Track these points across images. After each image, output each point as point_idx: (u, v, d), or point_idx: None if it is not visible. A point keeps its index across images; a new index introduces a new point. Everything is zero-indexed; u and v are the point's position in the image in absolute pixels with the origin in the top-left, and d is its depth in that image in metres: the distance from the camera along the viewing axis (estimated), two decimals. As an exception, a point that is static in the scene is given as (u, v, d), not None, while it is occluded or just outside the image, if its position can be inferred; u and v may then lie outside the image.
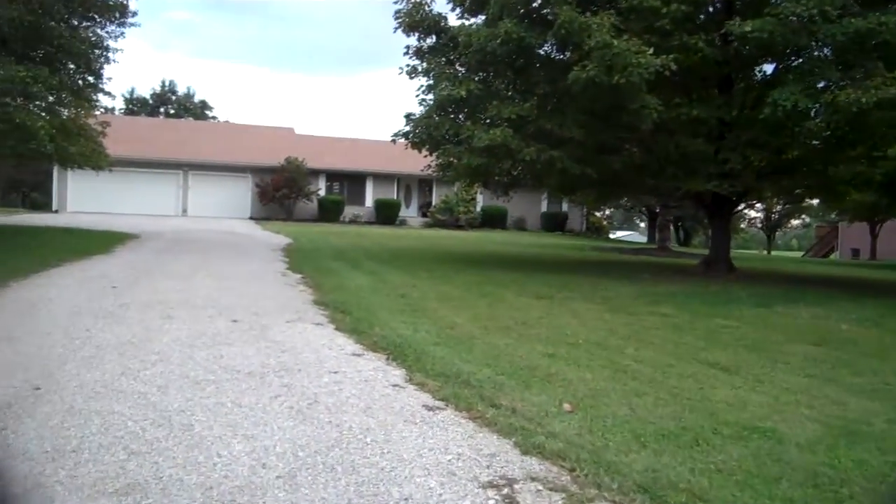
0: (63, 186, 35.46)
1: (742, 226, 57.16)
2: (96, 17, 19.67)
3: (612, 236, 54.13)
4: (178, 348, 6.21)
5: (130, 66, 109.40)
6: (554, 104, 14.44)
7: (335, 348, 6.56)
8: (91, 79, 21.08)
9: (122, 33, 19.99)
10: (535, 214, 41.01)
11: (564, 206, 41.49)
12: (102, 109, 23.47)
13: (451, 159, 15.35)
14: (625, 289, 12.87)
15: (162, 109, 61.80)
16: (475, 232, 35.84)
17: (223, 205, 37.10)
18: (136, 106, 61.15)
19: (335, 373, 5.64)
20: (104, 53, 20.25)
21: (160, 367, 5.59)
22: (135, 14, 19.75)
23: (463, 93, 13.81)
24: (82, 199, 35.05)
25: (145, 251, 15.81)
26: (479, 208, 39.55)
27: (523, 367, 6.17)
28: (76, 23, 19.00)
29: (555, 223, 41.29)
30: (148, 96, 62.03)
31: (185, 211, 36.99)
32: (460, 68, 16.12)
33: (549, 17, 13.25)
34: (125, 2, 19.33)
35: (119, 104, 60.57)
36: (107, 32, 19.98)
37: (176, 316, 7.86)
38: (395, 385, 5.40)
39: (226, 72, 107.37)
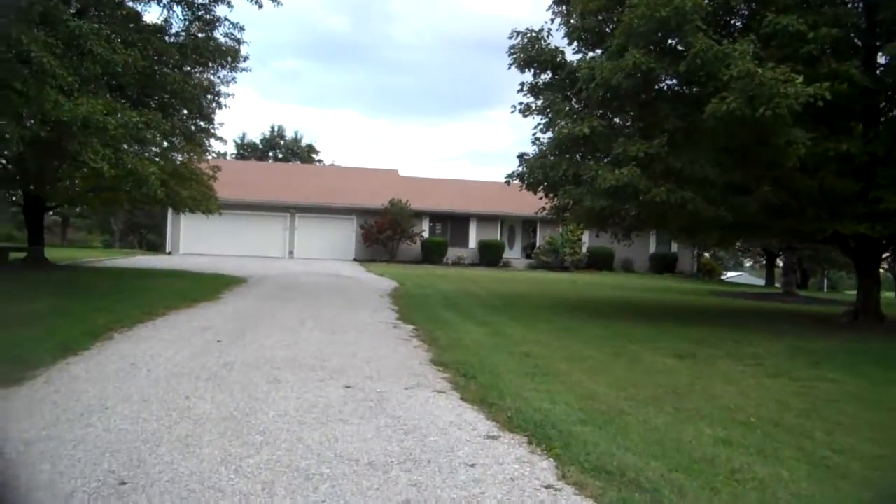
0: (176, 229, 36.30)
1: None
2: (209, 62, 19.82)
3: (723, 278, 51.44)
4: (285, 426, 5.37)
5: (241, 113, 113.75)
6: (684, 141, 13.21)
7: (465, 427, 5.57)
8: (203, 123, 21.27)
9: (234, 78, 20.06)
10: (642, 256, 39.20)
11: (673, 247, 39.61)
12: (214, 154, 23.67)
13: (569, 201, 14.28)
14: (772, 345, 11.40)
15: (271, 154, 63.50)
16: (581, 274, 34.47)
17: (328, 246, 37.16)
18: (246, 151, 63.05)
19: (472, 466, 4.65)
20: (216, 98, 20.39)
21: (265, 452, 4.74)
22: (246, 59, 19.82)
23: (586, 130, 12.79)
24: (194, 241, 35.77)
25: (252, 297, 15.38)
26: (584, 249, 38.19)
27: (697, 458, 5.02)
28: (189, 68, 19.13)
29: (664, 265, 39.43)
30: (258, 141, 63.93)
31: (291, 253, 37.20)
32: (577, 105, 15.15)
33: (681, 48, 12.12)
34: (237, 47, 19.39)
35: (230, 149, 62.69)
36: (218, 77, 20.11)
37: (283, 379, 7.08)
38: (547, 486, 4.35)
39: (332, 117, 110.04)
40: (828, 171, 13.71)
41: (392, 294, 18.04)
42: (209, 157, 24.56)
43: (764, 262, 56.87)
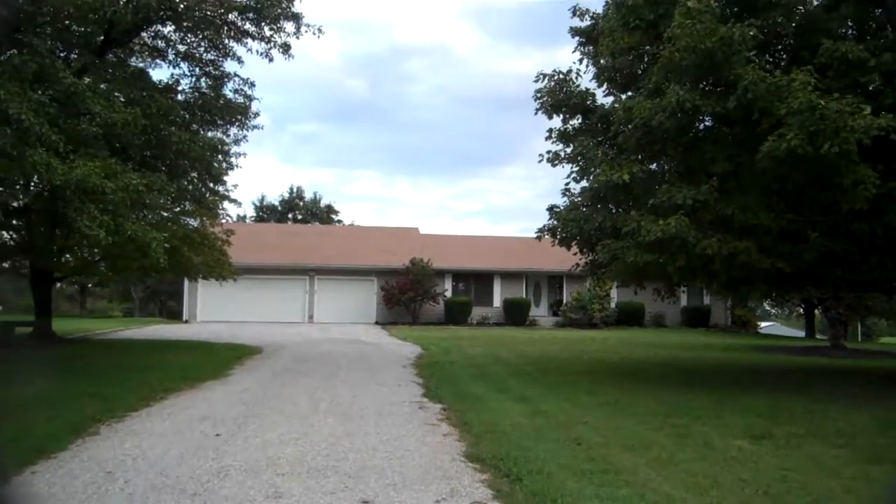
0: (193, 296, 35.34)
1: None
2: (218, 120, 18.94)
3: (759, 330, 49.44)
4: (281, 577, 4.05)
5: (261, 177, 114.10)
6: (734, 185, 11.92)
7: (519, 568, 4.22)
8: (214, 185, 20.32)
9: (245, 136, 19.16)
10: (674, 309, 37.21)
11: (706, 299, 37.92)
12: (228, 218, 22.64)
13: (609, 255, 12.90)
14: (854, 417, 9.86)
15: (290, 216, 62.89)
16: (612, 331, 32.89)
17: (348, 309, 35.94)
18: (265, 213, 62.51)
19: None
20: (227, 158, 19.46)
21: None
22: (257, 115, 18.90)
23: (625, 177, 11.52)
24: (212, 307, 34.72)
25: (263, 373, 14.09)
26: (613, 304, 36.65)
27: None
28: (196, 126, 18.24)
29: (697, 318, 37.74)
30: (276, 203, 63.40)
31: (311, 317, 36.00)
32: (611, 151, 13.92)
33: (731, 79, 10.85)
34: (248, 104, 18.52)
35: (250, 212, 62.18)
36: (229, 136, 19.21)
37: (286, 492, 5.76)
38: None
39: (350, 178, 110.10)
40: (893, 213, 12.33)
41: (416, 363, 16.71)
42: (224, 221, 23.54)
43: (799, 312, 54.89)
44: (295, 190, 63.98)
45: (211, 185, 20.13)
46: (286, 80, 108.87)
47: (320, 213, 62.78)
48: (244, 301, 34.60)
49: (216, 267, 20.96)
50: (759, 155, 10.45)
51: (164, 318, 46.40)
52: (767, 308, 69.99)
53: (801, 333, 53.38)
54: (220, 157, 19.19)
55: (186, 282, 33.80)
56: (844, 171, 10.49)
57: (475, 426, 8.61)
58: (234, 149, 19.61)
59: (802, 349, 24.94)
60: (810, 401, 11.22)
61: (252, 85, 18.72)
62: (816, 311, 40.55)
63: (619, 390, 12.12)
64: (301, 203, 63.62)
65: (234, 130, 19.19)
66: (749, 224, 11.72)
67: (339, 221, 63.30)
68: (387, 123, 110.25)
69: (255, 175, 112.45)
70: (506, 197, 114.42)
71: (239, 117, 18.73)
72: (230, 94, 18.62)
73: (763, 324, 66.07)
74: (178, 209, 19.49)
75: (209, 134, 19.66)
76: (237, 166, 19.94)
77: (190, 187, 19.95)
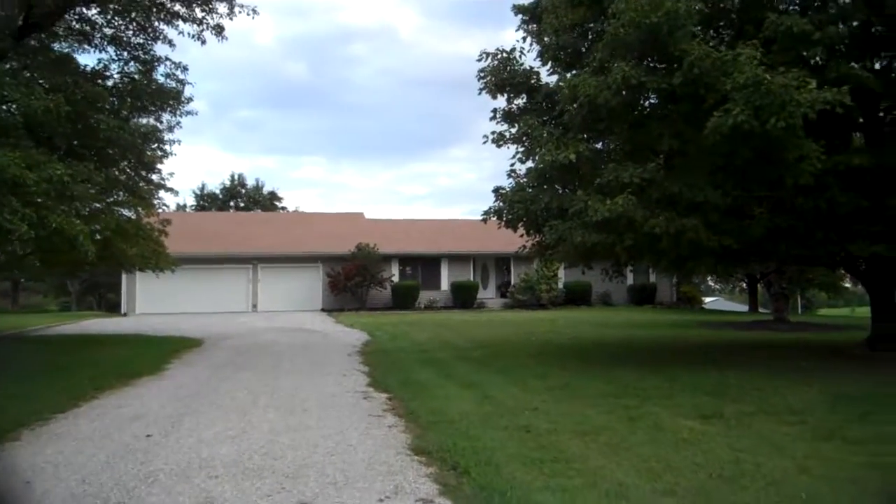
0: (132, 288, 34.20)
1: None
2: (149, 106, 18.13)
3: (704, 306, 50.20)
4: None
5: (201, 166, 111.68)
6: (680, 162, 11.78)
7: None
8: (146, 173, 19.52)
9: (179, 122, 18.37)
10: (620, 288, 37.26)
11: (652, 277, 38.28)
12: (165, 207, 21.76)
13: (556, 236, 12.63)
14: (803, 392, 9.81)
15: (232, 203, 61.46)
16: (560, 311, 32.93)
17: (294, 297, 35.33)
18: (206, 202, 60.99)
19: None
20: (160, 146, 18.68)
21: None
22: (190, 100, 18.12)
23: (571, 156, 11.28)
24: (152, 300, 33.65)
25: (202, 366, 13.55)
26: (561, 285, 36.75)
27: None
28: (126, 113, 17.41)
29: (643, 296, 38.14)
30: (218, 191, 61.89)
31: (255, 306, 35.26)
32: (554, 130, 13.64)
33: (677, 54, 10.64)
34: (180, 88, 17.75)
35: (190, 201, 60.64)
36: (161, 123, 18.42)
37: (218, 496, 5.37)
38: None
39: (295, 165, 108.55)
40: (836, 188, 12.35)
41: (362, 350, 16.33)
42: (160, 211, 22.69)
43: (742, 287, 55.97)
44: (236, 177, 62.58)
45: (144, 173, 19.31)
46: (224, 66, 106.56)
47: (263, 201, 61.52)
48: (186, 292, 33.75)
49: (152, 258, 20.20)
50: (705, 131, 10.29)
51: (102, 311, 45.03)
52: (711, 284, 71.14)
53: (745, 308, 54.43)
54: (152, 144, 18.39)
55: (124, 274, 32.72)
56: (790, 146, 10.42)
57: (421, 416, 8.30)
58: (168, 136, 18.83)
59: (748, 324, 25.27)
60: (759, 377, 11.19)
61: (185, 69, 17.98)
62: (759, 286, 41.34)
63: (569, 372, 11.94)
64: (243, 191, 62.25)
65: (166, 117, 18.39)
66: (696, 201, 11.60)
67: (283, 208, 62.22)
68: (330, 108, 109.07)
69: (195, 164, 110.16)
70: (452, 179, 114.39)
71: (171, 103, 17.94)
72: (161, 79, 17.84)
73: (707, 299, 67.26)
74: (111, 200, 18.67)
75: (141, 121, 18.86)
76: (172, 154, 19.20)
77: (122, 177, 19.11)
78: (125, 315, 33.73)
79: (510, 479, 5.67)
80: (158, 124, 18.40)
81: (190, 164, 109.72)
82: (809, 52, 10.93)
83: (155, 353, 15.54)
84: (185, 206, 58.69)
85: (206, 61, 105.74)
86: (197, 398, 9.88)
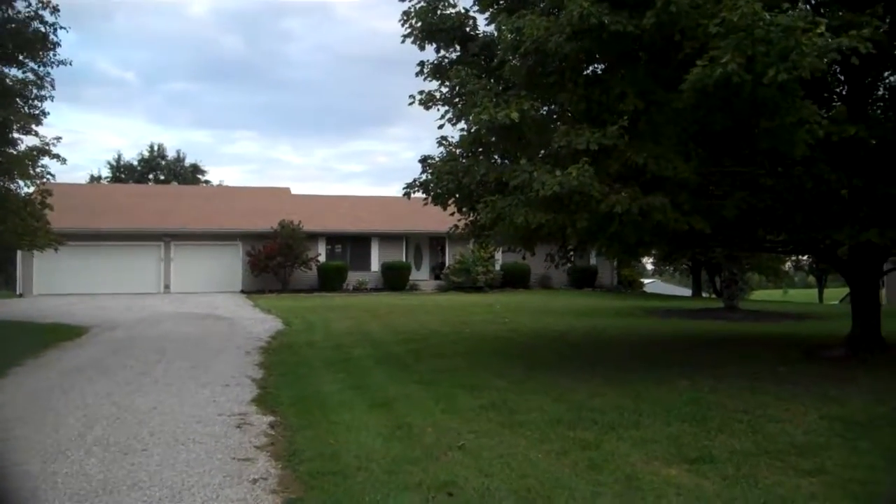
0: (28, 267, 30.69)
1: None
2: (17, 54, 15.13)
3: (643, 289, 48.94)
4: None
5: (127, 139, 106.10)
6: (646, 127, 9.59)
7: None
8: (17, 136, 16.52)
9: (48, 73, 15.39)
10: (560, 271, 35.54)
11: (593, 260, 36.53)
12: (49, 177, 18.64)
13: (493, 215, 10.33)
14: (801, 415, 7.80)
15: (151, 176, 57.40)
16: (497, 295, 30.95)
17: (211, 278, 32.43)
18: (123, 173, 56.86)
19: None
20: (28, 102, 15.70)
21: None
22: (58, 45, 15.13)
23: (514, 115, 8.95)
24: (51, 279, 30.27)
25: (54, 371, 10.90)
26: (498, 266, 34.72)
27: None
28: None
29: (583, 279, 36.50)
30: (136, 162, 57.68)
31: (167, 287, 32.24)
32: (493, 86, 11.27)
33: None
34: (45, 30, 14.76)
35: (106, 173, 56.50)
36: (28, 74, 15.44)
37: None
38: None
39: (228, 140, 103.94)
40: (822, 164, 10.39)
41: (266, 346, 13.91)
42: (44, 181, 19.60)
43: (682, 269, 55.06)
44: (156, 148, 58.40)
45: (13, 136, 16.28)
46: (155, 37, 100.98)
47: (185, 174, 57.56)
48: (90, 271, 30.66)
49: (27, 234, 17.31)
50: (683, 84, 8.14)
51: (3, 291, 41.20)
52: (650, 266, 70.15)
53: (683, 290, 53.39)
54: (18, 100, 15.40)
55: (20, 252, 29.33)
56: (786, 109, 8.34)
57: (306, 460, 5.96)
58: (38, 92, 15.78)
59: (697, 312, 23.61)
60: (737, 390, 9.16)
61: (55, 10, 14.89)
62: (703, 269, 40.31)
63: (507, 382, 9.73)
64: (163, 162, 58.13)
65: (33, 66, 15.35)
66: (663, 175, 9.48)
67: (207, 182, 58.46)
68: (266, 83, 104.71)
69: (120, 136, 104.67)
70: (389, 157, 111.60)
71: (38, 50, 14.92)
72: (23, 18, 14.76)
73: (645, 281, 66.28)
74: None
75: (9, 71, 15.86)
76: (45, 113, 16.18)
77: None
78: (21, 296, 30.37)
79: None
80: (23, 75, 15.41)
81: (115, 137, 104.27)
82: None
83: (12, 348, 12.88)
84: (99, 177, 54.71)
85: (136, 31, 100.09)
86: (10, 425, 7.32)
